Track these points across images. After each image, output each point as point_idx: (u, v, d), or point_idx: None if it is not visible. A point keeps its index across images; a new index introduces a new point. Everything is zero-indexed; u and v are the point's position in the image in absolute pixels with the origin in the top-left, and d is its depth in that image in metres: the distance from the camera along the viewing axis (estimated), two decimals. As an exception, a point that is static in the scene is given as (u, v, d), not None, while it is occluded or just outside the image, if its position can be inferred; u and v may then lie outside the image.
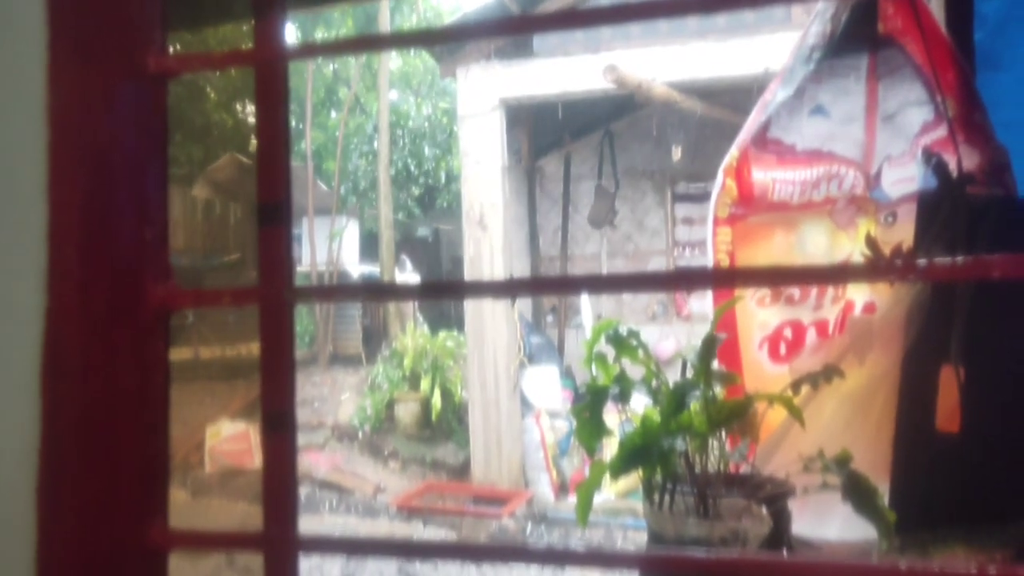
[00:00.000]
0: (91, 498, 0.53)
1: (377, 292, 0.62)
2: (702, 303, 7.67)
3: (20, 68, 0.50)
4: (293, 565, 0.53)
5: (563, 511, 6.34)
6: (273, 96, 0.54)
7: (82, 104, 0.51)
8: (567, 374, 7.41)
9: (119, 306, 0.54)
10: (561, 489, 6.67)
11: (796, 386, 1.77)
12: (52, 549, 0.51)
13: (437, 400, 7.68)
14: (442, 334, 8.21)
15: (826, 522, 1.93)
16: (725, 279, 0.81)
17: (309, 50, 0.78)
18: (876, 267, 0.48)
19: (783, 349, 2.14)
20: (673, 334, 7.63)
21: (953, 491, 1.74)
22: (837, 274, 0.89)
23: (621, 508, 6.17)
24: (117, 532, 0.54)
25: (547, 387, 7.04)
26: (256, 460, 6.82)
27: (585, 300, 7.82)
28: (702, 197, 7.80)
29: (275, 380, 0.54)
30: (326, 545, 0.65)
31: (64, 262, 0.51)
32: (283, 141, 0.54)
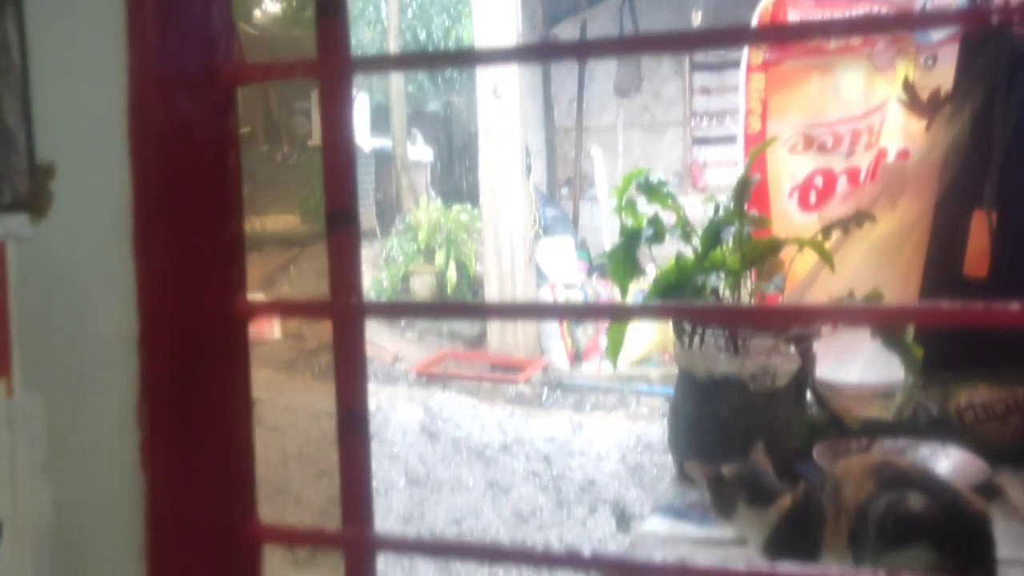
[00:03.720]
0: (180, 262, 0.54)
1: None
2: (718, 175, 7.59)
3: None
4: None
5: (577, 378, 6.49)
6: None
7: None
8: (582, 246, 7.43)
9: (193, 70, 0.54)
10: (576, 357, 6.81)
11: (827, 231, 1.77)
12: (150, 309, 0.53)
13: (452, 273, 7.74)
14: (456, 207, 8.20)
15: (848, 365, 1.97)
16: (762, 36, 0.79)
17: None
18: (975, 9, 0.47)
19: (813, 198, 2.13)
20: (689, 206, 7.59)
21: (978, 333, 1.76)
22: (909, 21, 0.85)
23: (635, 375, 6.31)
24: (205, 299, 0.56)
25: (562, 259, 7.08)
26: (275, 331, 6.96)
27: (600, 172, 7.75)
28: (721, 66, 7.59)
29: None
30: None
31: (142, 25, 0.51)
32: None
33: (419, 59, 0.55)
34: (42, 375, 0.56)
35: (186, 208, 0.55)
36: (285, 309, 0.59)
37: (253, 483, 0.60)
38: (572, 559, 0.56)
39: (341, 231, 0.54)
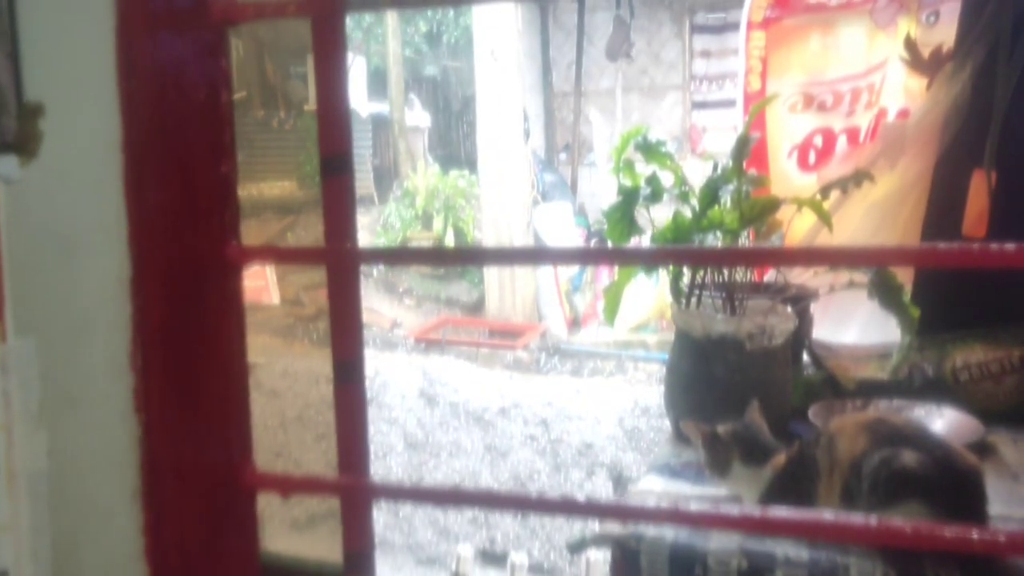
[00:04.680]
0: (172, 203, 0.54)
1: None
2: (717, 139, 7.54)
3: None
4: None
5: (575, 344, 6.50)
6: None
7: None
8: (580, 212, 7.40)
9: (183, 8, 0.53)
10: (574, 324, 6.81)
11: (825, 191, 1.76)
12: (143, 251, 0.52)
13: (450, 239, 7.72)
14: (453, 173, 8.15)
15: (846, 327, 1.97)
16: None
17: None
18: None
19: (812, 158, 2.11)
20: (687, 170, 7.55)
21: (975, 294, 1.76)
22: None
23: (632, 341, 6.33)
24: (198, 242, 0.55)
25: (560, 224, 7.05)
26: (273, 296, 6.96)
27: (598, 137, 7.70)
28: (721, 28, 7.51)
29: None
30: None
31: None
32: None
33: None
34: (34, 319, 0.55)
35: (177, 149, 0.54)
36: (279, 255, 0.59)
37: (249, 429, 0.60)
38: (567, 505, 0.56)
39: (335, 177, 0.54)
